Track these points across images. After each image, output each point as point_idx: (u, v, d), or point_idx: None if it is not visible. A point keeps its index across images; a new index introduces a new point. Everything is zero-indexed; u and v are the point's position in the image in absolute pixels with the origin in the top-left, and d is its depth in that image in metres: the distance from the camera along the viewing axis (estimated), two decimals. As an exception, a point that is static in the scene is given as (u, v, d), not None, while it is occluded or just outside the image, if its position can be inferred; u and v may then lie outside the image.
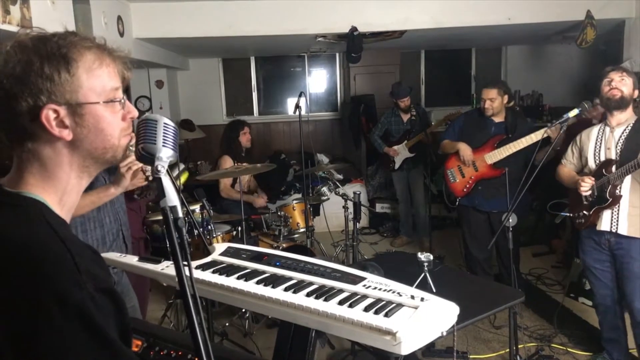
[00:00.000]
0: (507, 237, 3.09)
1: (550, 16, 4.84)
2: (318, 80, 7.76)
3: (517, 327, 2.77)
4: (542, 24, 5.00)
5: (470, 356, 3.36)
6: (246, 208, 3.98)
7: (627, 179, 2.72)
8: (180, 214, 1.04)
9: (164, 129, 1.04)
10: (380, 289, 1.42)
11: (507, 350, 3.36)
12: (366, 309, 1.32)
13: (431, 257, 2.56)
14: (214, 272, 1.64)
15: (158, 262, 1.76)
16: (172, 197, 1.02)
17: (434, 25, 4.82)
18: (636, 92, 2.77)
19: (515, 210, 3.05)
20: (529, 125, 3.87)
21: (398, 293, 1.39)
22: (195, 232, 3.27)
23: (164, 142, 1.02)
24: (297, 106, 3.53)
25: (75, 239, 0.90)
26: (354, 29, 4.67)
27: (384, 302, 1.35)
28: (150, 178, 2.31)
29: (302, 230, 4.23)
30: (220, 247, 1.84)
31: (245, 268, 1.64)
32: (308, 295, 1.43)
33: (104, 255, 1.58)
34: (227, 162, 4.33)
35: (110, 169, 2.29)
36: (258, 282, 1.53)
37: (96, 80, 0.90)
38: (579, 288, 4.16)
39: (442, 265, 2.94)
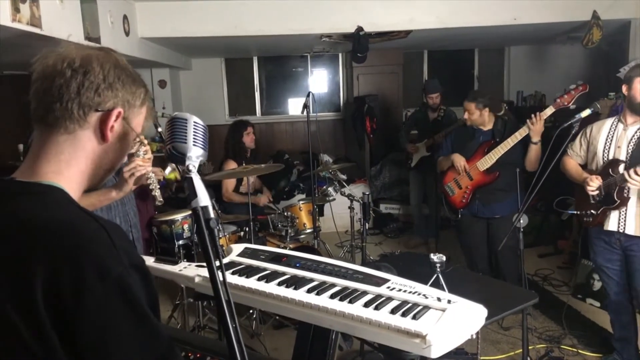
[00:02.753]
0: (518, 238, 3.07)
1: (556, 16, 4.84)
2: (321, 80, 7.75)
3: (527, 328, 2.75)
4: (547, 24, 4.99)
5: (480, 357, 3.34)
6: (254, 209, 3.95)
7: None
8: (212, 214, 1.03)
9: (194, 128, 1.03)
10: (405, 291, 1.40)
11: (516, 352, 3.35)
12: (393, 311, 1.30)
13: (444, 258, 2.54)
14: (233, 273, 1.62)
15: (175, 263, 1.74)
16: (203, 197, 1.01)
17: (439, 25, 4.81)
18: None
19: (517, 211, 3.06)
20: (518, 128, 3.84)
21: (424, 295, 1.37)
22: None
23: (194, 141, 1.03)
24: (305, 106, 3.50)
25: (107, 220, 0.92)
26: (359, 28, 4.66)
27: (410, 305, 1.33)
28: (155, 185, 2.33)
29: (308, 230, 4.21)
30: (237, 247, 1.82)
31: (265, 269, 1.62)
32: (332, 297, 1.40)
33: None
34: (232, 167, 4.28)
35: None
36: (280, 284, 1.51)
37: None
38: (586, 289, 4.15)
39: (454, 266, 2.92)
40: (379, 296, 1.40)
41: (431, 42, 6.61)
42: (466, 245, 4.06)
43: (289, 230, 3.99)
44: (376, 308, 1.33)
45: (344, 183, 4.51)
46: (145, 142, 2.16)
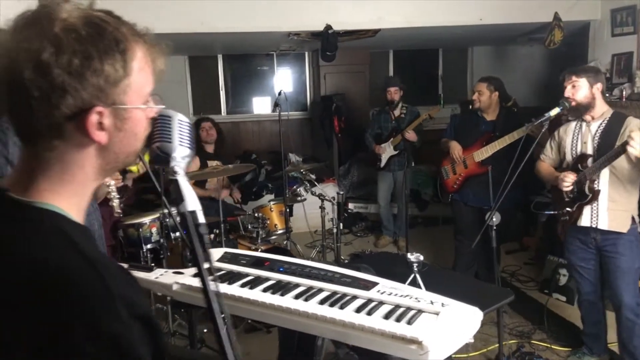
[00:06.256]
0: (490, 236, 3.11)
1: (520, 17, 4.92)
2: (287, 79, 7.67)
3: (502, 325, 2.78)
4: (510, 25, 5.08)
5: (453, 356, 3.35)
6: (222, 210, 3.86)
7: (605, 174, 2.75)
8: (202, 219, 0.96)
9: (179, 126, 0.96)
10: (396, 295, 1.37)
11: (489, 348, 3.38)
12: (386, 317, 1.26)
13: (421, 258, 2.53)
14: (213, 279, 1.55)
15: (150, 269, 1.65)
16: (192, 201, 0.94)
17: (407, 24, 4.82)
18: (597, 86, 2.80)
19: (503, 207, 3.10)
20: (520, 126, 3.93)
21: (416, 298, 1.34)
22: (173, 235, 3.14)
23: (180, 141, 0.95)
24: (277, 104, 3.43)
25: (105, 258, 0.81)
26: (328, 27, 4.61)
27: (403, 309, 1.30)
28: (114, 195, 2.23)
29: (280, 231, 4.14)
30: (216, 252, 1.74)
31: (247, 275, 1.56)
32: (321, 302, 1.35)
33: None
34: (194, 163, 4.24)
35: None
36: (265, 290, 1.45)
37: (142, 80, 0.82)
38: (552, 284, 4.24)
39: (430, 266, 2.92)
40: (370, 300, 1.35)
41: (397, 42, 6.65)
42: (456, 230, 4.21)
43: (260, 232, 3.91)
44: (368, 313, 1.29)
45: (315, 182, 4.46)
46: None
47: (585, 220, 2.82)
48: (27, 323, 0.69)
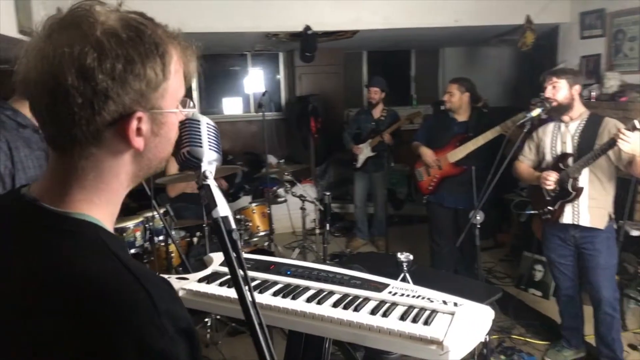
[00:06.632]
0: (475, 234, 3.17)
1: (494, 19, 5.04)
2: (260, 79, 7.62)
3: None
4: (484, 26, 5.20)
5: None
6: (201, 212, 3.80)
7: (585, 173, 2.86)
8: (234, 225, 0.94)
9: (208, 130, 0.94)
10: (408, 295, 1.38)
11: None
12: (402, 318, 1.27)
13: (411, 257, 2.55)
14: (221, 284, 1.52)
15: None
16: (224, 206, 0.92)
17: (385, 25, 4.87)
18: (576, 87, 2.90)
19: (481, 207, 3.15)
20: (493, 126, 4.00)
21: (429, 299, 1.35)
22: (157, 239, 3.08)
23: (209, 145, 0.93)
24: (260, 105, 3.41)
25: (146, 270, 0.78)
26: (307, 28, 4.61)
27: (417, 309, 1.31)
28: None
29: (262, 233, 4.11)
30: (218, 256, 1.72)
31: (254, 279, 1.54)
32: (334, 305, 1.35)
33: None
34: (172, 164, 4.14)
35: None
36: (275, 294, 1.44)
37: (177, 83, 0.80)
38: (528, 280, 4.36)
39: (418, 265, 2.95)
40: (383, 302, 1.36)
41: (371, 43, 6.70)
42: (432, 231, 4.20)
43: (243, 234, 3.88)
44: (384, 315, 1.29)
45: (296, 182, 4.45)
46: None
47: (567, 218, 2.91)
48: (73, 339, 0.67)
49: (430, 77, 8.00)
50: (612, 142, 2.51)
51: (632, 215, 3.87)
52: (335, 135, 5.97)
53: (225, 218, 0.91)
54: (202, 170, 0.92)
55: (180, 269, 3.11)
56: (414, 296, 1.38)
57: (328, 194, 3.17)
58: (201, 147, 0.91)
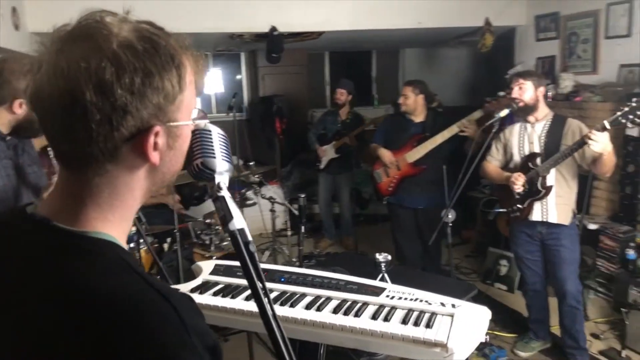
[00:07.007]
0: (447, 233, 3.24)
1: (455, 21, 5.17)
2: (221, 80, 7.51)
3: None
4: (445, 28, 5.32)
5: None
6: (170, 217, 3.72)
7: (552, 171, 2.97)
8: (250, 237, 0.93)
9: (219, 140, 0.93)
10: (406, 299, 1.40)
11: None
12: (403, 321, 1.29)
13: (389, 257, 2.58)
14: (215, 294, 1.49)
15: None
16: (239, 219, 0.91)
17: (351, 27, 4.91)
18: (540, 89, 3.03)
19: (441, 205, 3.24)
20: (448, 125, 4.09)
21: (426, 301, 1.37)
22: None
23: (222, 155, 0.92)
24: (231, 107, 3.36)
25: (167, 285, 0.76)
26: (273, 28, 4.59)
27: (417, 313, 1.33)
28: None
29: (233, 237, 4.05)
30: (206, 265, 1.68)
31: (247, 287, 1.52)
32: (334, 311, 1.35)
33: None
34: None
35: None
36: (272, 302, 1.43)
37: (191, 94, 0.78)
38: (494, 274, 4.49)
39: (395, 265, 2.99)
40: (382, 306, 1.37)
41: (334, 44, 6.73)
42: (394, 231, 4.24)
43: (213, 238, 3.82)
44: (385, 319, 1.30)
45: (264, 182, 4.41)
46: None
47: (536, 215, 3.02)
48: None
49: (391, 78, 8.11)
50: (582, 143, 2.63)
51: (589, 210, 4.07)
52: (300, 136, 5.96)
53: (241, 230, 0.90)
54: (217, 182, 0.91)
55: (158, 277, 3.02)
56: (411, 299, 1.40)
57: (303, 195, 3.17)
58: (214, 157, 0.90)
